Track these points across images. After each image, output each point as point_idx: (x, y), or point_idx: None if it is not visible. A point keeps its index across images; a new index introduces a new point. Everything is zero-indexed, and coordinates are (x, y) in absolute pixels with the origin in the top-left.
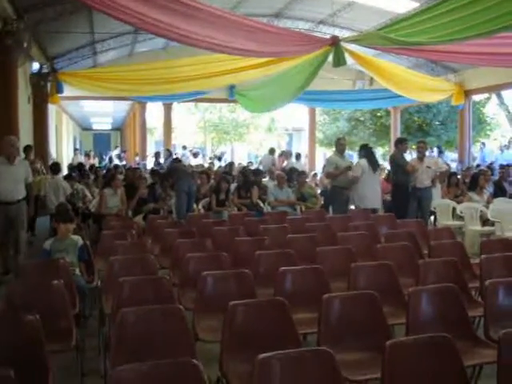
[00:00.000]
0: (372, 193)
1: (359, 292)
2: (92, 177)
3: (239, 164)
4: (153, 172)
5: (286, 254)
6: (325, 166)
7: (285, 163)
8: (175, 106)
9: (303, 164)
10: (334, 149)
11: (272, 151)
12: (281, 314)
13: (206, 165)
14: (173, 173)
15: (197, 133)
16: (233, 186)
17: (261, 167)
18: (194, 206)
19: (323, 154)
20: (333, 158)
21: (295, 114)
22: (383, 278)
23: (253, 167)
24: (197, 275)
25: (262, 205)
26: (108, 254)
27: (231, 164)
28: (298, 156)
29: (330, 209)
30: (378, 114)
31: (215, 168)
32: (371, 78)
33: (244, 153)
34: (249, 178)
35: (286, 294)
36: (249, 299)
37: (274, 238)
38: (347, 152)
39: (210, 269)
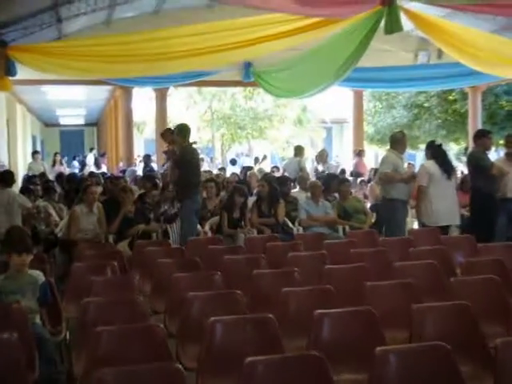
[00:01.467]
0: (447, 205)
1: (425, 344)
2: (59, 190)
3: (259, 170)
4: (145, 178)
5: (323, 291)
6: (373, 174)
7: (319, 167)
8: (171, 91)
9: (334, 165)
10: (388, 147)
11: (298, 151)
12: (317, 375)
13: (215, 171)
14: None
15: (202, 128)
16: (251, 199)
17: (286, 174)
18: (199, 227)
19: (374, 153)
20: (391, 158)
21: (335, 101)
22: (459, 325)
23: (278, 174)
24: (202, 322)
25: (290, 224)
26: (81, 294)
27: (248, 169)
28: (322, 157)
29: (384, 229)
30: (450, 98)
31: (227, 175)
32: (439, 49)
33: (266, 154)
34: (275, 188)
35: (323, 347)
36: (273, 354)
37: (307, 269)
38: (406, 151)
39: (221, 313)
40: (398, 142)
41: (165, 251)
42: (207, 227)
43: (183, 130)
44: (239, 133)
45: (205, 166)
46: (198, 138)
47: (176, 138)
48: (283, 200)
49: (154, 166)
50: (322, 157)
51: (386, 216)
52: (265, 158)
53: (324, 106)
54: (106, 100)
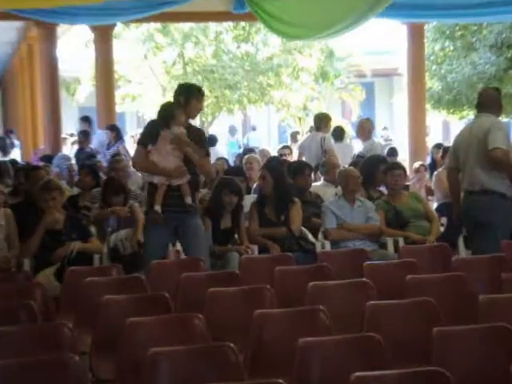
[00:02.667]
0: None
1: None
2: None
3: (262, 152)
4: (82, 169)
5: (365, 342)
6: (441, 156)
7: (356, 149)
8: (120, 31)
9: (381, 143)
10: (475, 112)
11: (323, 123)
12: None
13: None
14: None
15: (169, 89)
16: (249, 199)
17: (304, 159)
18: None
19: (442, 122)
20: (503, 125)
21: (379, 42)
22: None
23: (291, 158)
24: None
25: (310, 237)
26: None
27: (248, 151)
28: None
29: (461, 241)
30: None
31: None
32: None
33: (271, 126)
34: (285, 181)
35: None
36: None
37: (340, 308)
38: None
39: (205, 379)
40: (493, 102)
41: (114, 283)
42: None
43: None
44: (228, 95)
45: None
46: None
47: (195, 105)
48: (299, 199)
49: (92, 147)
50: (364, 130)
51: (481, 219)
52: (314, 129)
53: (361, 49)
54: (13, 45)
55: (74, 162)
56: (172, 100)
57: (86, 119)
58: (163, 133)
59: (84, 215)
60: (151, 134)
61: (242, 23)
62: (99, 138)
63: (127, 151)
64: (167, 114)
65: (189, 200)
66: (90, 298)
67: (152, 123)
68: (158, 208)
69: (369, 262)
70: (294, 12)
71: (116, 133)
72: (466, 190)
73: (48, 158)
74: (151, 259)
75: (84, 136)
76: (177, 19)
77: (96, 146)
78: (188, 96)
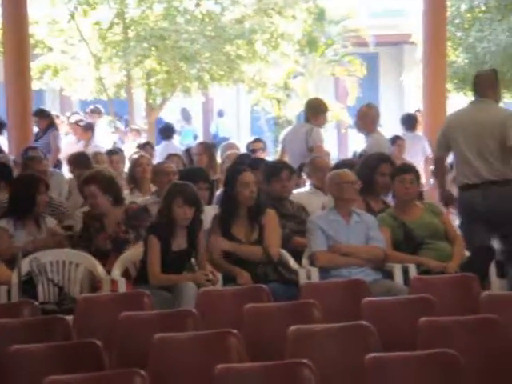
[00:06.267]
0: None
1: None
2: None
3: (226, 146)
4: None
5: None
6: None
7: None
8: None
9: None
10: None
11: (309, 111)
12: None
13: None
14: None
15: (106, 60)
16: (210, 211)
17: (287, 158)
18: (99, 269)
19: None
20: None
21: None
22: None
23: (265, 155)
24: None
25: (292, 263)
26: None
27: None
28: (366, 119)
29: (492, 269)
30: None
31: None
32: None
33: (240, 112)
34: (260, 188)
35: None
36: None
37: (330, 361)
38: None
39: None
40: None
41: (25, 327)
42: (116, 271)
43: None
44: (184, 68)
45: (106, 140)
46: (97, 79)
47: None
48: (277, 211)
49: (3, 141)
50: (367, 119)
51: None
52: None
53: (362, 9)
54: None
55: None
56: None
57: None
58: None
59: None
60: None
61: None
62: None
63: (58, 141)
64: None
65: None
66: None
67: None
68: None
69: (369, 298)
70: None
71: (48, 119)
72: (486, 179)
73: None
74: None
75: None
76: None
77: None
78: None
